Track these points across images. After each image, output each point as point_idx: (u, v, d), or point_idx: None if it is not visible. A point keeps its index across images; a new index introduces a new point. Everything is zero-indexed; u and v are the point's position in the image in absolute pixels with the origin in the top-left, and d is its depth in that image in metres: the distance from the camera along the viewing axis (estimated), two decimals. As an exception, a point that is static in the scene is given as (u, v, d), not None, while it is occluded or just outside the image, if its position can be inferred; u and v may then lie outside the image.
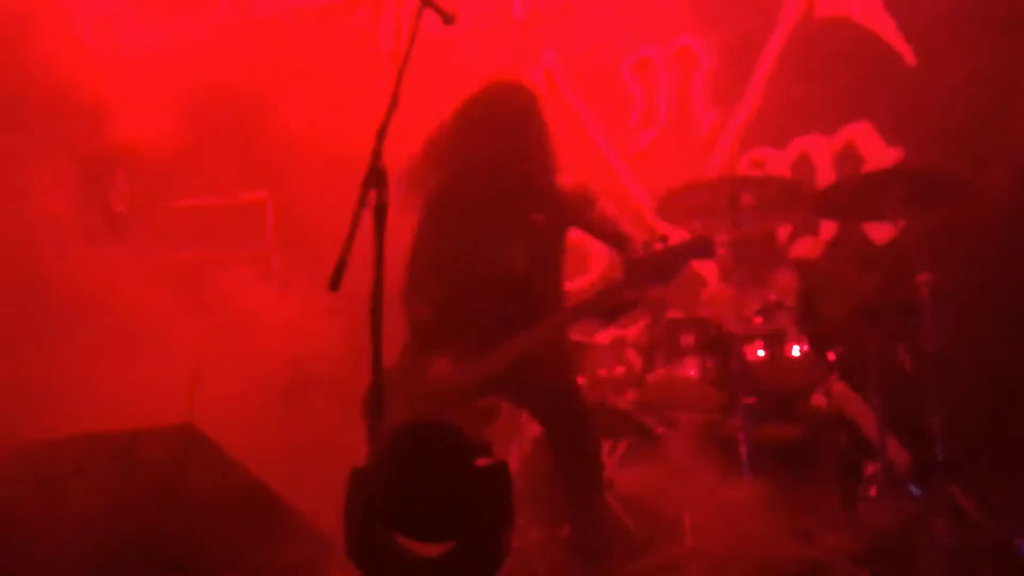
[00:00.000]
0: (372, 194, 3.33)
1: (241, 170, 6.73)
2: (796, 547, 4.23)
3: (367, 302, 3.27)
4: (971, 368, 4.96)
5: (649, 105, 6.63)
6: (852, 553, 4.13)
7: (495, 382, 4.11)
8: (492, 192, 4.30)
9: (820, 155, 6.03)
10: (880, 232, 5.53)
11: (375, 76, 6.31)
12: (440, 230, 4.35)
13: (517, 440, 4.99)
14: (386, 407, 3.78)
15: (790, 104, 6.02)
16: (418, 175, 4.36)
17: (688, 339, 4.84)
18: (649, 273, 4.04)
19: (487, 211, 4.29)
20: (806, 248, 5.84)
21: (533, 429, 4.94)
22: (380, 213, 3.32)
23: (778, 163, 6.07)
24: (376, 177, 3.34)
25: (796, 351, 4.74)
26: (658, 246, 4.03)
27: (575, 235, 4.56)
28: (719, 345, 4.73)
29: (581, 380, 4.84)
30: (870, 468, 4.72)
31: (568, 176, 4.44)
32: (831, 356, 4.81)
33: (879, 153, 5.81)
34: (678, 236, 4.84)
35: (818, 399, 4.95)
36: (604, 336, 5.21)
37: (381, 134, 3.41)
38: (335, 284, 3.23)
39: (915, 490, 4.65)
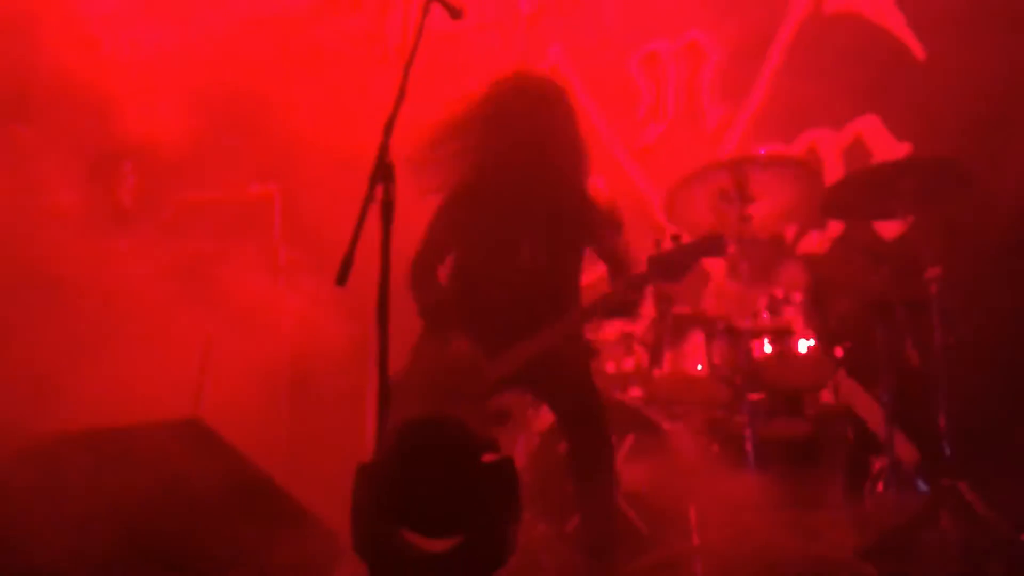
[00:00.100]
0: (379, 189, 3.33)
1: (249, 164, 6.73)
2: (802, 543, 4.23)
3: (374, 297, 3.27)
4: (979, 364, 4.94)
5: (657, 99, 6.63)
6: (858, 549, 4.12)
7: (513, 377, 4.11)
8: (519, 185, 4.24)
9: (828, 150, 6.02)
10: (889, 227, 5.52)
11: (383, 71, 6.31)
12: (461, 220, 4.31)
13: (523, 435, 4.98)
14: (406, 391, 3.80)
15: (798, 98, 6.00)
16: (436, 156, 4.31)
17: (695, 335, 4.84)
18: (662, 270, 4.04)
19: (512, 203, 4.24)
20: (814, 244, 5.84)
21: (539, 424, 4.94)
22: (387, 208, 3.32)
23: (786, 158, 6.06)
24: (383, 172, 3.34)
25: (803, 347, 4.73)
26: (670, 244, 4.02)
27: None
28: (726, 341, 4.73)
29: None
30: (877, 464, 4.71)
31: (599, 190, 4.40)
32: (838, 352, 4.81)
33: (888, 148, 5.80)
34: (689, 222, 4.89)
35: (825, 395, 4.95)
36: (612, 331, 5.21)
37: (388, 129, 3.41)
38: (342, 279, 3.24)
39: (922, 486, 4.64)
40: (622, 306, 4.20)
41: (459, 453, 3.28)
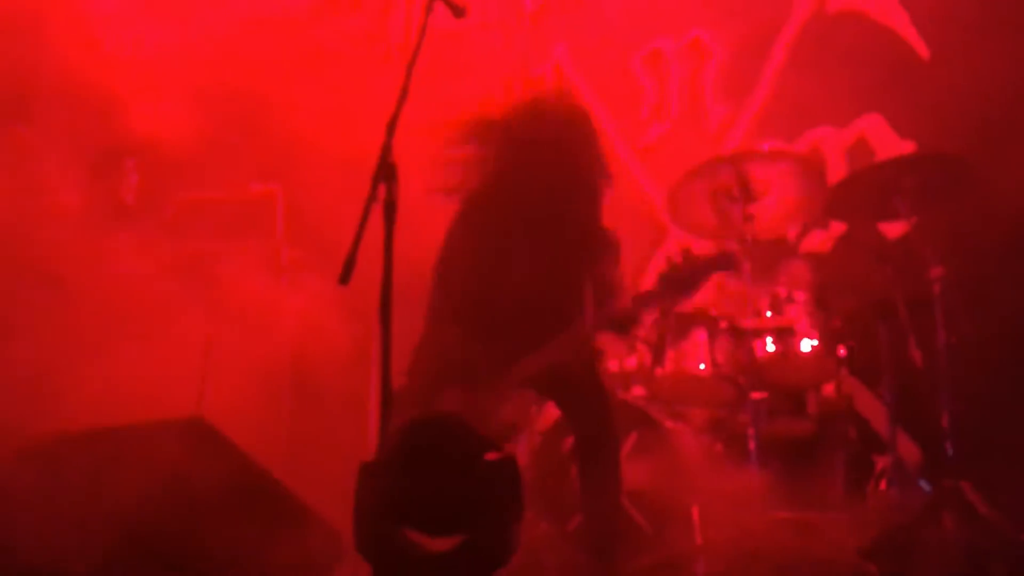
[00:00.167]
0: (382, 188, 3.32)
1: (251, 163, 6.73)
2: (804, 542, 4.22)
3: (376, 296, 3.27)
4: (982, 363, 4.93)
5: (660, 98, 6.62)
6: (861, 548, 4.11)
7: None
8: (531, 202, 4.23)
9: (832, 148, 6.01)
10: (892, 226, 5.51)
11: (386, 70, 6.30)
12: (478, 225, 4.30)
13: (526, 433, 4.98)
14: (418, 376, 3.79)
15: (802, 97, 5.99)
16: (451, 157, 4.29)
17: (698, 333, 4.83)
18: (673, 287, 4.03)
19: (522, 217, 4.23)
20: (817, 242, 5.83)
21: (542, 422, 4.94)
22: (390, 208, 3.31)
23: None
24: (386, 171, 3.34)
25: (806, 346, 4.72)
26: (680, 259, 4.00)
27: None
28: (729, 340, 4.72)
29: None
30: (880, 463, 4.71)
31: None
32: (842, 351, 4.80)
33: (891, 146, 5.79)
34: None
35: (828, 394, 4.95)
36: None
37: (391, 128, 3.41)
38: (345, 278, 3.23)
39: (925, 485, 4.64)
40: (627, 321, 4.19)
41: (462, 452, 3.28)
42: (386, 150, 3.37)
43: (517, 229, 4.24)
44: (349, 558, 3.66)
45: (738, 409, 4.72)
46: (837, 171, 5.85)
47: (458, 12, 3.69)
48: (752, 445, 4.49)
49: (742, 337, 4.68)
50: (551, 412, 4.82)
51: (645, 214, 6.34)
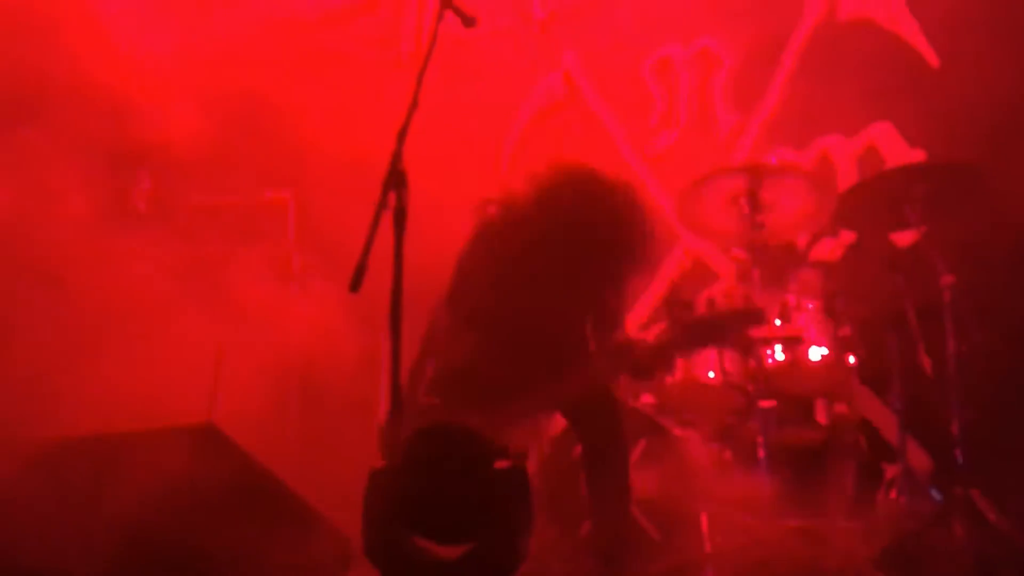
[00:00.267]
0: (392, 195, 3.33)
1: (263, 169, 6.74)
2: (814, 550, 4.22)
3: (386, 303, 3.28)
4: (992, 371, 4.93)
5: (670, 106, 6.62)
6: (871, 556, 4.11)
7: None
8: (567, 262, 4.08)
9: (841, 156, 6.01)
10: (902, 235, 5.50)
11: (397, 77, 6.32)
12: (497, 274, 4.18)
13: (535, 441, 4.98)
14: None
15: (811, 105, 6.00)
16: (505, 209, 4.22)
17: (707, 341, 4.83)
18: (692, 338, 3.99)
19: (553, 276, 4.10)
20: (827, 251, 5.82)
21: (551, 429, 4.94)
22: (400, 215, 3.33)
23: (799, 165, 6.05)
24: (396, 179, 3.35)
25: (816, 354, 4.72)
26: (704, 310, 3.93)
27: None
28: (738, 348, 4.72)
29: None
30: (890, 471, 4.71)
31: None
32: (851, 359, 4.79)
33: (901, 155, 5.79)
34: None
35: (838, 402, 4.94)
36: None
37: (401, 136, 3.42)
38: (355, 285, 3.24)
39: (935, 493, 4.63)
40: (646, 370, 4.15)
41: (471, 460, 3.29)
42: (396, 157, 3.38)
43: (538, 259, 4.14)
44: (358, 563, 3.67)
45: (747, 417, 4.71)
46: (847, 179, 5.85)
47: (468, 22, 3.70)
48: (761, 453, 4.49)
49: (752, 345, 4.67)
50: (560, 420, 4.82)
51: (655, 222, 6.33)
